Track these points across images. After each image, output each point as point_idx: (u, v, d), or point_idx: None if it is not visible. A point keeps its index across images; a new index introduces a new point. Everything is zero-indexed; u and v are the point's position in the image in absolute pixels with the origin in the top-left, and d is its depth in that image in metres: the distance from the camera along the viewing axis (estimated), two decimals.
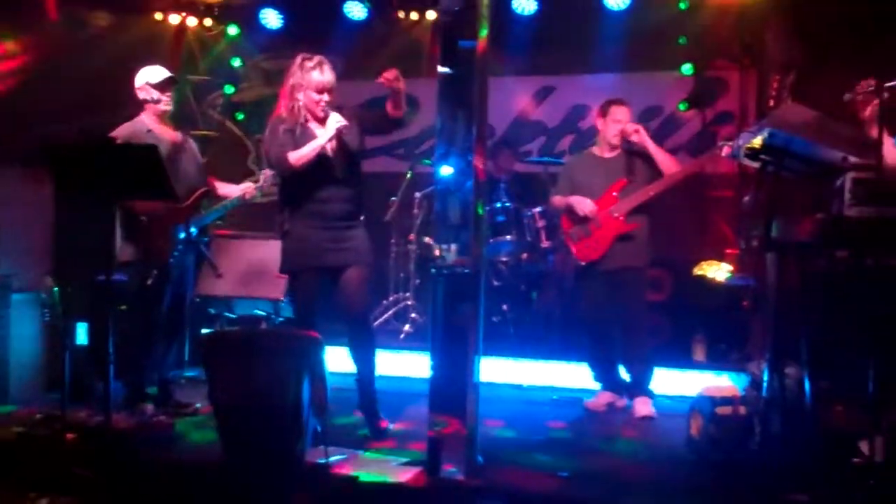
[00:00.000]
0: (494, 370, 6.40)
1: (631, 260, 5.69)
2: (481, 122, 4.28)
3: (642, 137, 5.68)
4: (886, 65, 4.14)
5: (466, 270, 4.19)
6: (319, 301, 4.97)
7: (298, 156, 4.76)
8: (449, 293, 4.18)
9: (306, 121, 4.87)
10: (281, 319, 6.61)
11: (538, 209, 7.16)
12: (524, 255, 7.28)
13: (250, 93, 9.07)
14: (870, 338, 3.98)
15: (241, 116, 9.09)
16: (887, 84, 4.07)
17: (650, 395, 5.72)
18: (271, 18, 8.38)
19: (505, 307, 7.26)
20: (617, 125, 5.75)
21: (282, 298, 6.46)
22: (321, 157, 4.79)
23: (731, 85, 7.97)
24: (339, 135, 4.79)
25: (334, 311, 6.74)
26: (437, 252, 4.25)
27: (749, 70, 7.67)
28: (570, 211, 5.80)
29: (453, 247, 4.23)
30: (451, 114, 4.24)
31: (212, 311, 6.77)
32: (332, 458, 4.15)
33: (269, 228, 7.06)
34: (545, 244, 7.16)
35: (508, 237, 7.12)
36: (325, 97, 4.83)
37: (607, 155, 5.84)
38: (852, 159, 4.36)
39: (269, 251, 6.67)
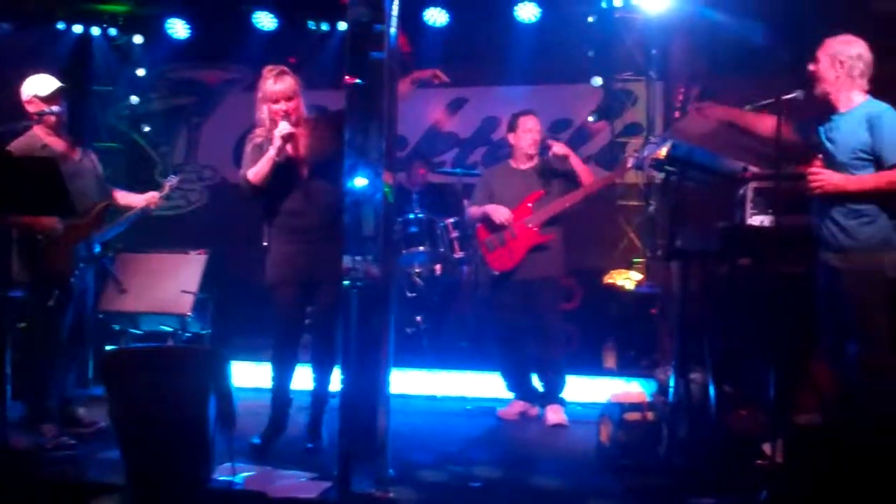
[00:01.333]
0: (409, 382, 6.41)
1: (545, 270, 5.76)
2: (391, 133, 4.28)
3: (566, 150, 5.76)
4: (785, 77, 4.27)
5: (378, 282, 4.18)
6: (300, 316, 4.93)
7: (254, 172, 4.70)
8: (360, 305, 4.16)
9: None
10: (188, 335, 6.50)
11: (451, 220, 7.18)
12: (438, 266, 7.29)
13: (157, 104, 8.93)
14: (770, 343, 4.09)
15: (147, 128, 8.93)
16: (785, 97, 4.19)
17: (562, 403, 5.79)
18: (178, 28, 8.25)
19: (419, 318, 7.26)
20: (528, 135, 5.83)
21: (188, 314, 6.34)
22: (286, 169, 4.71)
23: (638, 97, 8.12)
24: (284, 143, 4.68)
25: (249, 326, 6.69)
26: (349, 264, 4.23)
27: (656, 82, 7.83)
28: (486, 220, 5.84)
29: (365, 258, 4.21)
30: (361, 125, 4.22)
31: (116, 327, 6.61)
32: (240, 476, 4.09)
33: (175, 242, 6.97)
34: (458, 255, 7.19)
35: (422, 248, 7.12)
36: (282, 106, 4.76)
37: (523, 167, 5.91)
38: (752, 169, 4.50)
39: (175, 265, 6.57)
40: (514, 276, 5.78)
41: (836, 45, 4.25)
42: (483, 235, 5.90)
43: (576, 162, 5.76)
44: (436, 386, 6.54)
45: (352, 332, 4.17)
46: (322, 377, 4.94)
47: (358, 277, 4.16)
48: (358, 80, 4.21)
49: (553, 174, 5.82)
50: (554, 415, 5.71)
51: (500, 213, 5.76)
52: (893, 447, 3.60)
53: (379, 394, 4.18)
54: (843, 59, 4.21)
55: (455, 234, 7.15)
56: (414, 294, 7.24)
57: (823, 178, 4.15)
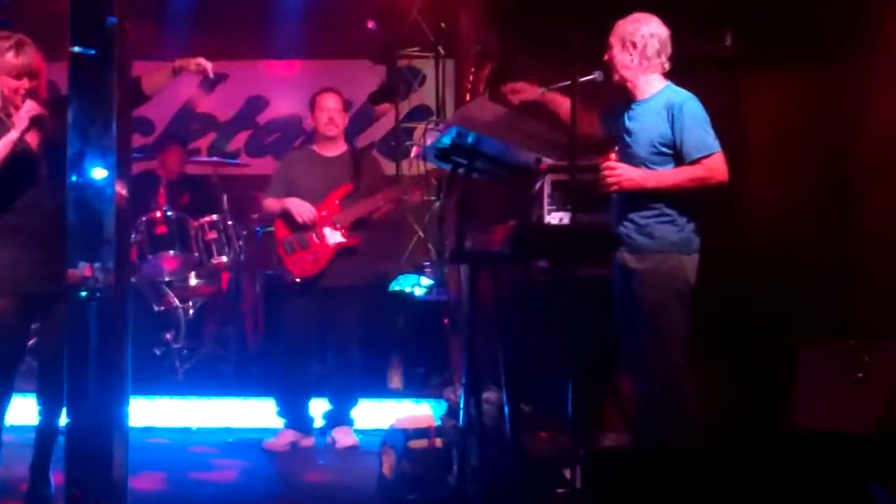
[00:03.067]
0: (157, 411, 6.30)
1: (353, 278, 5.83)
2: (126, 114, 4.17)
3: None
4: (584, 57, 4.39)
5: (113, 294, 4.06)
6: (22, 335, 4.66)
7: None
8: (87, 321, 4.03)
9: (8, 114, 4.48)
10: None
11: (209, 219, 7.05)
12: (192, 274, 7.16)
13: None
14: (569, 356, 4.25)
15: None
16: (582, 78, 4.35)
17: (351, 423, 5.95)
18: None
19: (169, 336, 7.09)
20: (324, 114, 5.91)
21: None
22: (20, 158, 4.44)
23: (427, 76, 8.30)
24: (32, 127, 4.40)
25: None
26: (78, 272, 4.09)
27: (445, 60, 7.98)
28: (286, 216, 5.81)
29: (96, 265, 4.08)
30: (88, 105, 4.08)
31: None
32: None
33: None
34: (218, 260, 7.07)
35: (172, 252, 6.96)
36: (25, 83, 4.47)
37: (329, 153, 5.97)
38: (546, 161, 4.66)
39: None
40: (317, 284, 5.81)
41: (626, 25, 4.45)
42: (281, 234, 5.87)
43: None
44: (191, 416, 6.42)
45: (83, 353, 4.04)
46: (51, 409, 4.74)
47: (88, 288, 4.03)
48: (83, 50, 4.08)
49: (366, 164, 5.96)
50: (344, 437, 5.87)
51: (303, 212, 5.75)
52: (694, 470, 3.83)
53: (115, 426, 4.07)
54: (636, 40, 4.40)
55: (213, 235, 7.02)
56: (162, 308, 7.08)
57: (620, 173, 4.34)
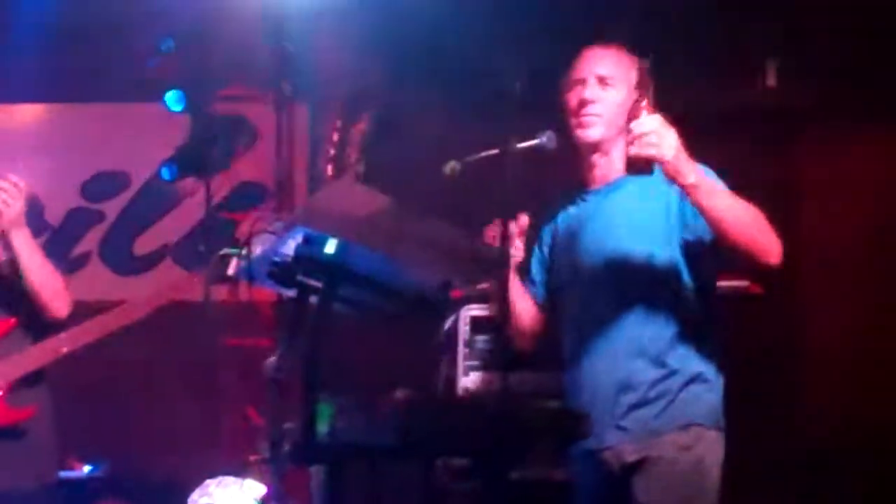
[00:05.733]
0: None
1: (14, 477, 5.72)
2: None
3: None
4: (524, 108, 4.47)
5: None
6: None
7: None
8: None
9: None
10: None
11: None
12: None
13: None
14: None
15: None
16: (521, 144, 4.40)
17: None
18: None
19: None
20: None
21: None
22: None
23: (261, 132, 8.52)
24: None
25: None
26: None
27: (293, 106, 8.06)
28: None
29: None
30: None
31: None
32: None
33: None
34: None
35: None
36: None
37: None
38: (460, 287, 4.71)
39: None
40: None
41: (632, 59, 4.53)
42: None
43: None
44: None
45: None
46: None
47: None
48: None
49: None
50: None
51: None
52: None
53: None
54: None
55: None
56: None
57: (666, 134, 4.07)
